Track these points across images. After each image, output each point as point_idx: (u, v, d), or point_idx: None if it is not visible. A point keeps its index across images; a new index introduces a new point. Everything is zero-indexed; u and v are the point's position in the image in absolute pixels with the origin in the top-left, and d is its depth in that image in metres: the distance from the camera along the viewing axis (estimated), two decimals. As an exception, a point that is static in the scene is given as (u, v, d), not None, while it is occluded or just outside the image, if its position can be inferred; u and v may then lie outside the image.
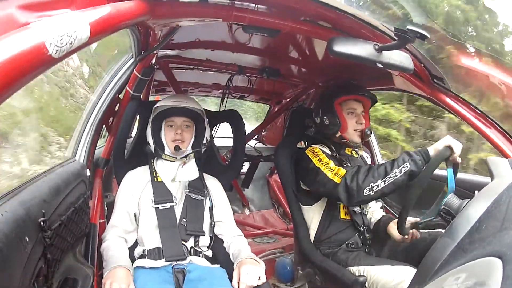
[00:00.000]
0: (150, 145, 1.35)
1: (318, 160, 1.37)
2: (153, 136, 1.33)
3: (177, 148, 1.30)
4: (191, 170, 1.38)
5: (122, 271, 1.04)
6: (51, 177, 0.94)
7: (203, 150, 1.37)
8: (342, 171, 1.27)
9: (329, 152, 1.44)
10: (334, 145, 1.48)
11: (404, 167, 1.13)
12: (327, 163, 1.34)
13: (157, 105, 1.32)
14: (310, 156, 1.40)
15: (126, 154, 1.45)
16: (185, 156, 1.35)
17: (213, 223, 1.35)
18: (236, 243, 1.31)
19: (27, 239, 0.66)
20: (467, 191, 1.32)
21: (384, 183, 1.15)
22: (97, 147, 1.46)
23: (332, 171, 1.29)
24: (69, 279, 0.90)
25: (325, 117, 1.48)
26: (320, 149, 1.43)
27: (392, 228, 1.33)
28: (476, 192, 0.72)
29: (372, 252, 1.42)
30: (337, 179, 1.26)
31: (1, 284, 0.55)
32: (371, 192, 1.16)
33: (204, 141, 1.37)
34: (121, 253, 1.16)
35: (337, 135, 1.47)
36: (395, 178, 1.13)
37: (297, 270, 1.52)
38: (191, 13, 0.96)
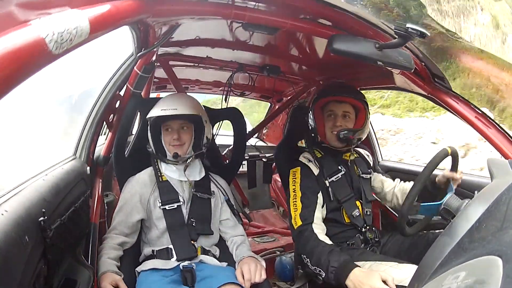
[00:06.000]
0: (152, 150, 1.33)
1: (293, 190, 1.38)
2: (153, 141, 1.32)
3: (175, 156, 1.28)
4: (196, 171, 1.37)
5: (104, 278, 1.04)
6: (52, 176, 0.94)
7: (204, 149, 1.35)
8: (299, 208, 1.31)
9: (315, 170, 1.41)
10: (330, 152, 1.46)
11: (323, 271, 1.16)
12: (295, 196, 1.35)
13: (148, 115, 1.30)
14: (290, 179, 1.41)
15: (126, 151, 1.45)
16: (187, 159, 1.33)
17: (220, 221, 1.38)
18: (238, 242, 1.35)
19: (27, 239, 0.65)
20: (467, 191, 1.32)
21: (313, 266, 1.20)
22: (97, 145, 1.46)
23: (295, 208, 1.32)
24: (69, 280, 0.90)
25: (309, 121, 1.50)
26: (303, 165, 1.42)
27: None
28: (476, 192, 0.72)
29: (376, 251, 1.41)
30: (295, 220, 1.30)
31: (1, 285, 0.55)
32: (306, 261, 1.23)
33: (205, 141, 1.35)
34: (109, 258, 1.14)
35: (318, 140, 1.46)
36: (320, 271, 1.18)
37: (297, 269, 1.52)
38: (191, 11, 0.96)
